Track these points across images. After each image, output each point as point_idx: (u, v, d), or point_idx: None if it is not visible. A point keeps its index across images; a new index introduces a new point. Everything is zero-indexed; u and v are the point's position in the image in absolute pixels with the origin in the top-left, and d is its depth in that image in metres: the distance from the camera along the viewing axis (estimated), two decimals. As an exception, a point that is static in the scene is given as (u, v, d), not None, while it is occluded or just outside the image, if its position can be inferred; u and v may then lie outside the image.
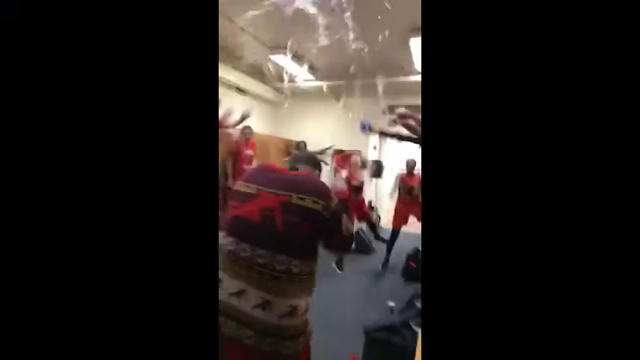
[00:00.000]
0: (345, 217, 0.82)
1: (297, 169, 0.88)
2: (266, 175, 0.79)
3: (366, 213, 4.07)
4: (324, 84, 5.64)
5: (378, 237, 4.16)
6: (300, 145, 4.66)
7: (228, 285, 0.70)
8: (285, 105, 6.52)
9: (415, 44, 3.57)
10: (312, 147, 5.02)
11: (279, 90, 6.35)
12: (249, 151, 3.30)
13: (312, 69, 5.30)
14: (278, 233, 0.71)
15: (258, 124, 3.54)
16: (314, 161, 0.95)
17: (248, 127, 3.36)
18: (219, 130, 0.66)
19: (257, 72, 5.76)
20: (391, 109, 5.84)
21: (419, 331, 1.45)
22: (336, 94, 6.02)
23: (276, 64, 4.94)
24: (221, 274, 0.71)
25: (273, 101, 6.53)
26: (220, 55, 4.78)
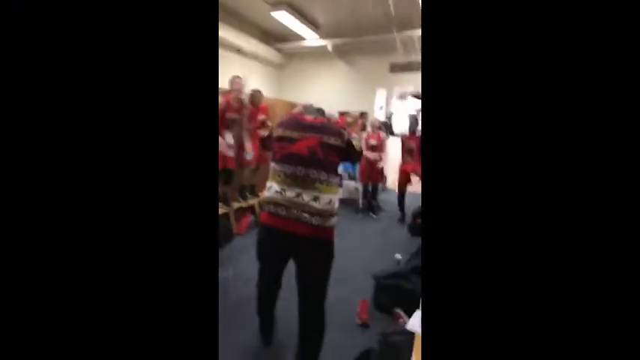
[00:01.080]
0: (354, 140, 1.34)
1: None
2: (302, 124, 1.30)
3: (379, 175, 4.08)
4: (328, 42, 5.44)
5: (371, 206, 4.18)
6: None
7: (289, 191, 1.21)
8: (287, 67, 6.30)
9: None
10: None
11: (281, 51, 6.15)
12: (262, 116, 3.23)
13: (315, 26, 5.10)
14: (320, 160, 1.24)
15: (261, 88, 3.45)
16: (320, 110, 1.46)
17: (258, 92, 3.27)
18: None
19: (258, 31, 5.56)
20: (395, 66, 5.62)
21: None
22: (340, 52, 5.82)
23: (277, 22, 4.74)
24: (282, 186, 1.22)
25: (275, 63, 6.36)
26: (219, 14, 4.61)
